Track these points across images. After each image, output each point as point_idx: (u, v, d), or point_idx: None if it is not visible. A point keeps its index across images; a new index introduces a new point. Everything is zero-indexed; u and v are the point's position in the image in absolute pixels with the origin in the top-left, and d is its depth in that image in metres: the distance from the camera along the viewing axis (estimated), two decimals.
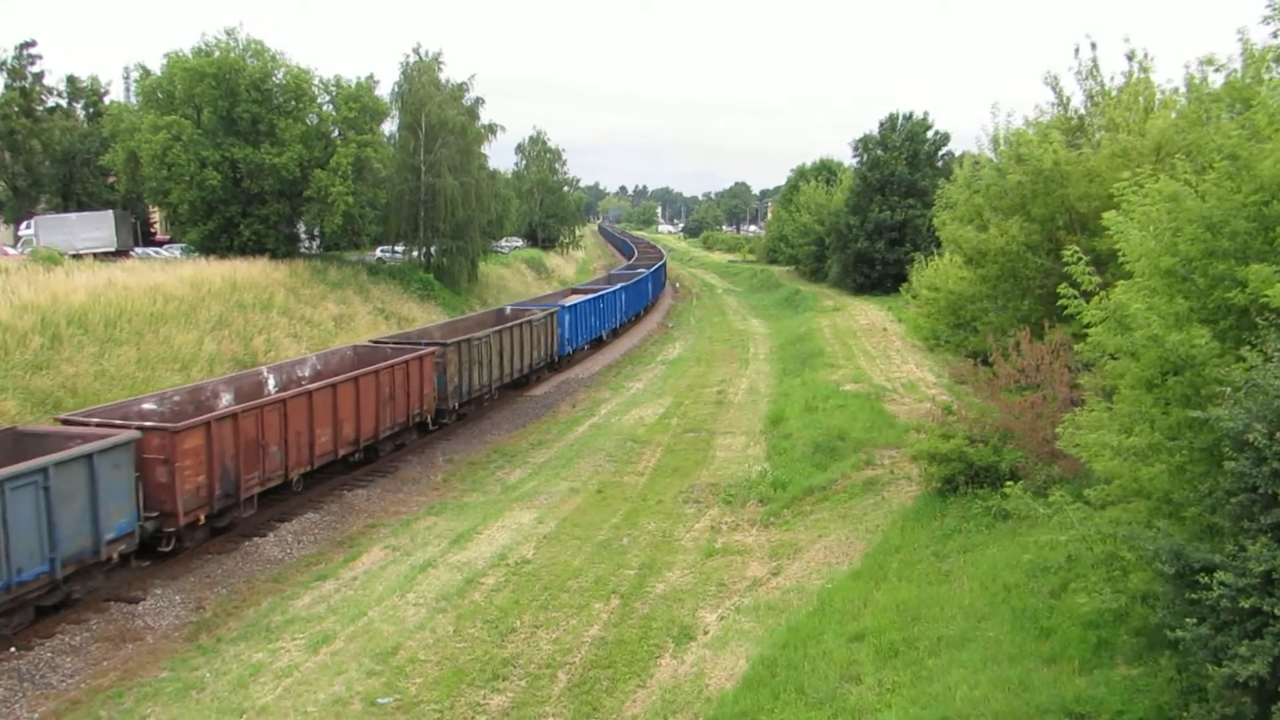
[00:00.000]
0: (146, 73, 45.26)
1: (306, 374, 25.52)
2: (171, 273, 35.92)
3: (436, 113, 53.27)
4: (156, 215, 60.40)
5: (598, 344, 47.38)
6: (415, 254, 56.41)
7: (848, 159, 77.34)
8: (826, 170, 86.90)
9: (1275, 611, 7.42)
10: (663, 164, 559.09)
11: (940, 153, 64.15)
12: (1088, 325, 10.77)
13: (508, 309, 40.57)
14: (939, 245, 36.74)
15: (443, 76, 55.83)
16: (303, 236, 50.98)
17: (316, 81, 46.04)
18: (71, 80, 57.59)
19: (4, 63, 52.44)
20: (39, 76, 54.38)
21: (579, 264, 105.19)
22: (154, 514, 17.19)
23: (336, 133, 46.14)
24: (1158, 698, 9.52)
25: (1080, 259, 10.56)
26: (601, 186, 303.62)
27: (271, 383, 24.09)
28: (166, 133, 41.75)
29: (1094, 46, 22.54)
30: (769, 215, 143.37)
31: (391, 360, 25.54)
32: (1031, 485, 16.08)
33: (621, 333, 53.25)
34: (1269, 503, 7.85)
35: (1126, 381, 9.95)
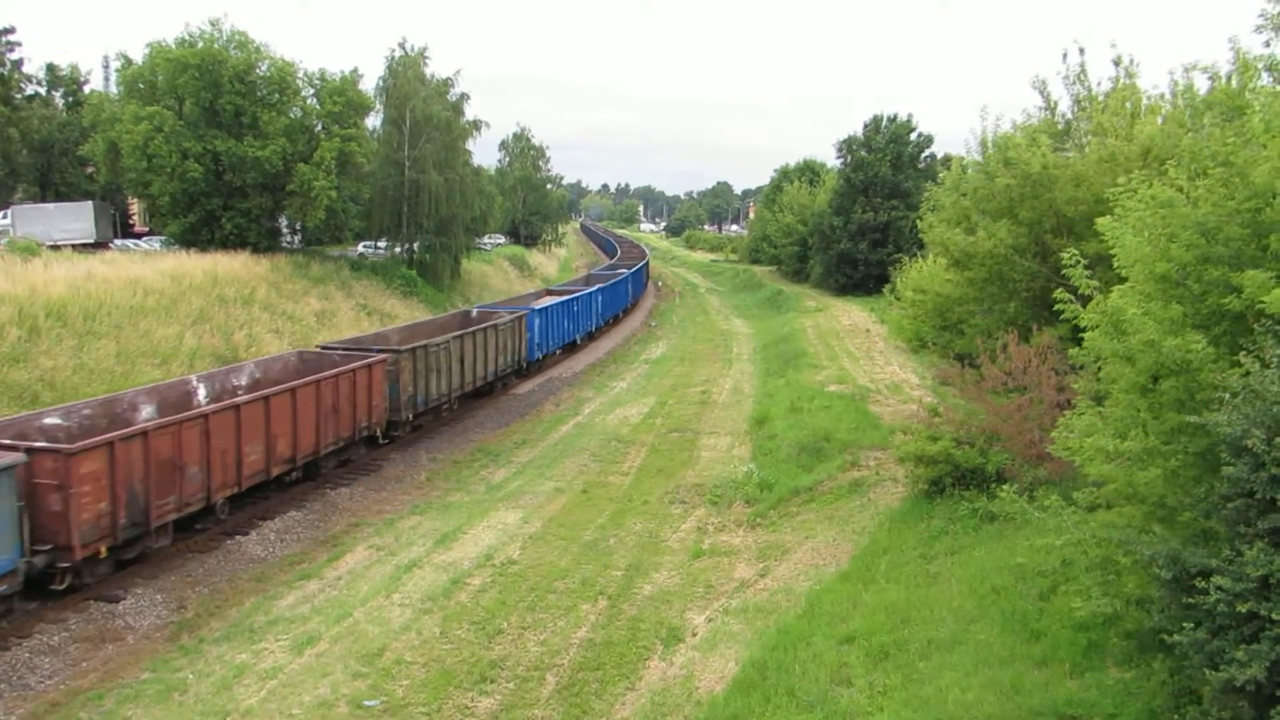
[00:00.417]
0: (129, 62, 44.69)
1: (243, 383, 23.48)
2: (152, 265, 35.49)
3: (421, 108, 52.97)
4: (135, 207, 59.80)
5: (572, 348, 45.37)
6: (398, 250, 56.09)
7: (831, 160, 77.69)
8: (810, 171, 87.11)
9: (1272, 616, 7.45)
10: (645, 162, 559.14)
11: (923, 155, 64.46)
12: (1083, 329, 10.80)
13: (474, 311, 38.66)
14: (922, 247, 36.90)
15: (428, 71, 55.56)
16: (284, 231, 50.56)
17: (301, 74, 45.67)
18: (51, 69, 56.93)
19: None
20: (18, 64, 53.56)
21: (561, 262, 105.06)
22: (46, 547, 15.19)
23: (320, 126, 45.74)
24: (1150, 701, 9.56)
25: (1079, 262, 10.56)
26: (584, 184, 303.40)
27: (202, 393, 22.06)
28: (148, 123, 41.26)
29: (1082, 52, 22.68)
30: (751, 215, 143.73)
31: (336, 369, 23.49)
32: (1018, 487, 16.13)
33: (598, 336, 50.95)
34: (1266, 507, 7.88)
35: (1121, 386, 9.98)
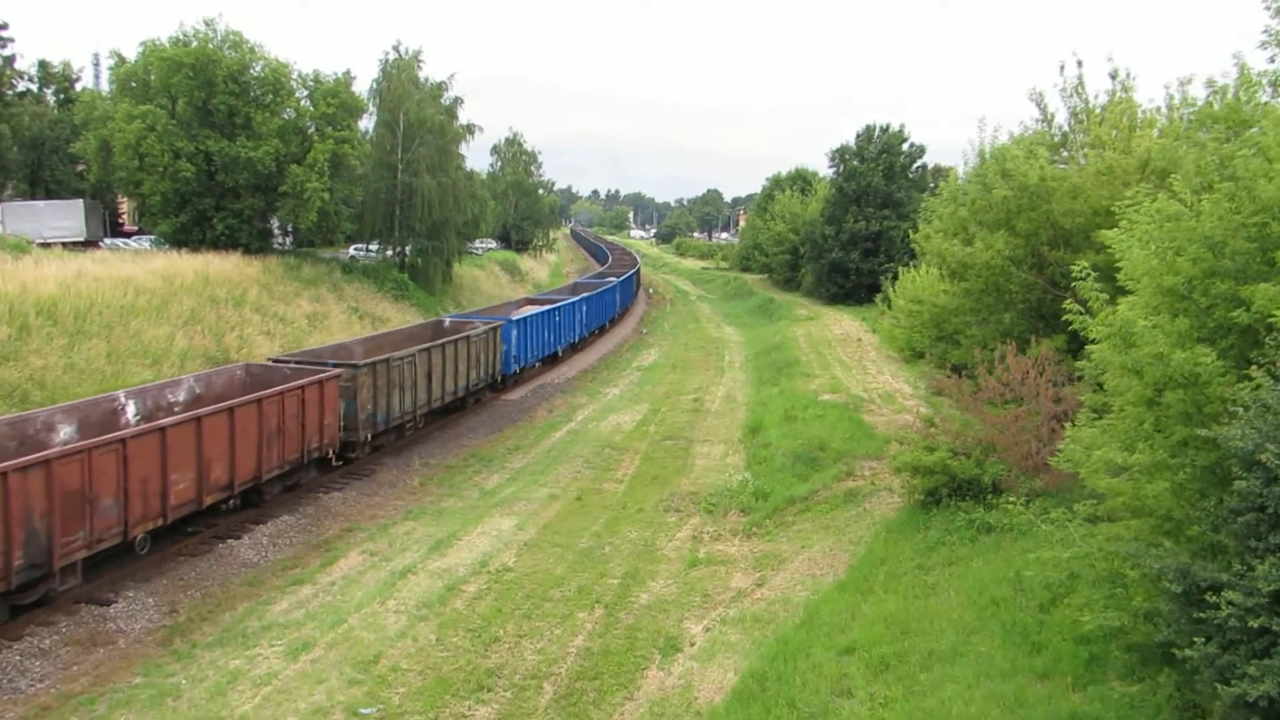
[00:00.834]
0: (122, 60, 44.45)
1: (181, 399, 21.43)
2: (142, 265, 35.24)
3: (415, 111, 52.84)
4: (124, 205, 59.46)
5: (553, 360, 43.47)
6: (390, 253, 55.91)
7: (823, 169, 77.99)
8: (802, 180, 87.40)
9: None
10: (634, 168, 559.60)
11: (915, 165, 64.75)
12: (1085, 341, 10.80)
13: (446, 321, 36.98)
14: (913, 257, 36.99)
15: (422, 75, 55.49)
16: (276, 232, 50.34)
17: (295, 76, 45.52)
18: (43, 65, 56.63)
19: None
20: (10, 60, 53.29)
21: (552, 267, 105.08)
22: None
23: (313, 128, 45.59)
24: (1156, 716, 9.52)
25: (1089, 275, 10.56)
26: (574, 190, 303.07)
27: (131, 411, 19.94)
28: (141, 122, 41.00)
29: (1079, 64, 22.77)
30: (741, 222, 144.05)
31: (281, 386, 21.47)
32: (1015, 498, 16.14)
33: (581, 348, 48.94)
34: (1277, 522, 7.88)
35: (1127, 399, 9.97)
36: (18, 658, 14.08)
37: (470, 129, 58.82)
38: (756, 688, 12.63)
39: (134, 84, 43.17)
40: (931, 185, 57.81)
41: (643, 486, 24.19)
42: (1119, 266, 11.08)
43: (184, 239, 43.65)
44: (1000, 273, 21.12)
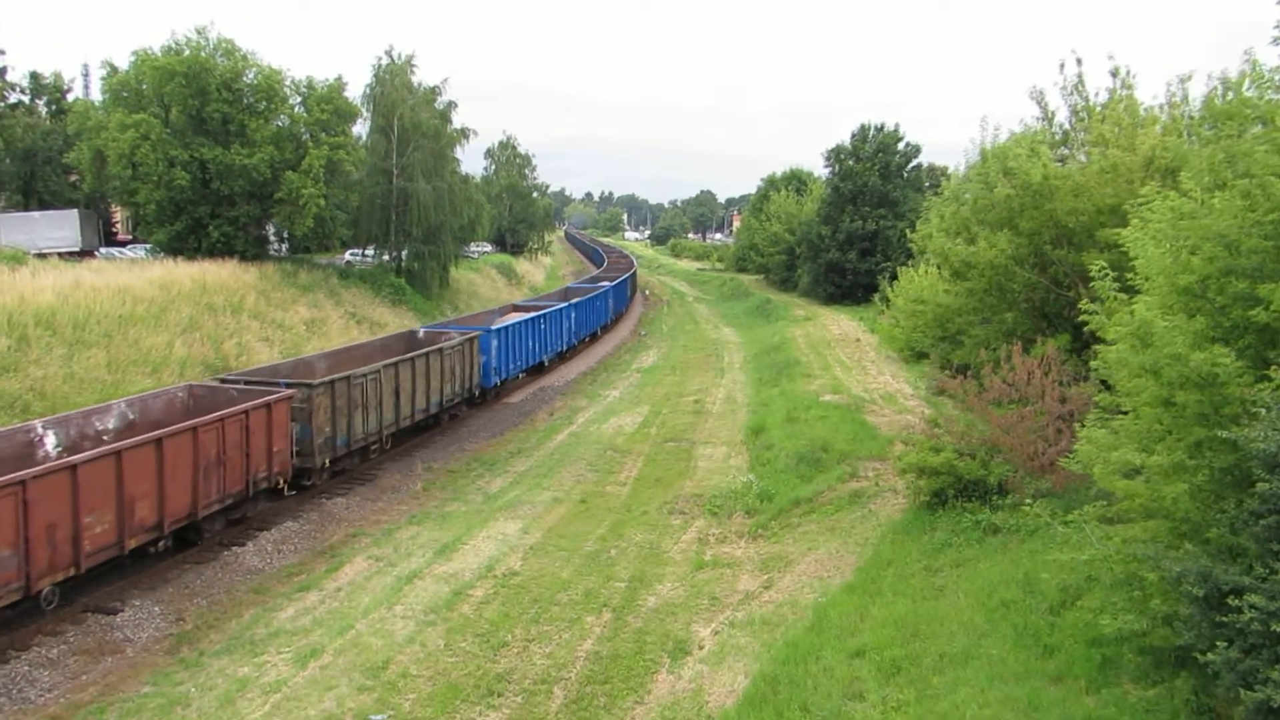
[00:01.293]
0: (114, 70, 44.27)
1: (111, 426, 19.29)
2: (139, 274, 35.13)
3: (409, 116, 52.76)
4: (118, 215, 59.25)
5: (538, 370, 41.56)
6: (386, 258, 55.80)
7: (818, 169, 78.05)
8: (797, 180, 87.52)
9: None
10: (628, 170, 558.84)
11: (910, 165, 64.83)
12: (1093, 340, 10.77)
13: (420, 332, 34.83)
14: (910, 256, 36.98)
15: (415, 80, 55.33)
16: (271, 239, 50.21)
17: (288, 82, 45.40)
18: (35, 76, 56.36)
19: None
20: (1, 72, 53.14)
21: (548, 270, 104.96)
22: None
23: (308, 134, 45.47)
24: (1172, 719, 9.49)
25: (1106, 275, 10.52)
26: (567, 192, 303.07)
27: (50, 443, 17.74)
28: (134, 131, 40.83)
29: (1079, 62, 22.76)
30: (736, 223, 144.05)
31: (222, 412, 19.40)
32: (1020, 499, 16.11)
33: (569, 357, 46.90)
34: None
35: (1143, 399, 9.93)
36: (26, 667, 14.00)
37: (465, 133, 58.74)
38: (768, 691, 12.58)
39: (126, 93, 42.98)
40: (929, 184, 57.93)
41: (646, 489, 24.14)
42: (1127, 265, 11.06)
43: (180, 247, 43.52)
44: (1003, 272, 21.10)
